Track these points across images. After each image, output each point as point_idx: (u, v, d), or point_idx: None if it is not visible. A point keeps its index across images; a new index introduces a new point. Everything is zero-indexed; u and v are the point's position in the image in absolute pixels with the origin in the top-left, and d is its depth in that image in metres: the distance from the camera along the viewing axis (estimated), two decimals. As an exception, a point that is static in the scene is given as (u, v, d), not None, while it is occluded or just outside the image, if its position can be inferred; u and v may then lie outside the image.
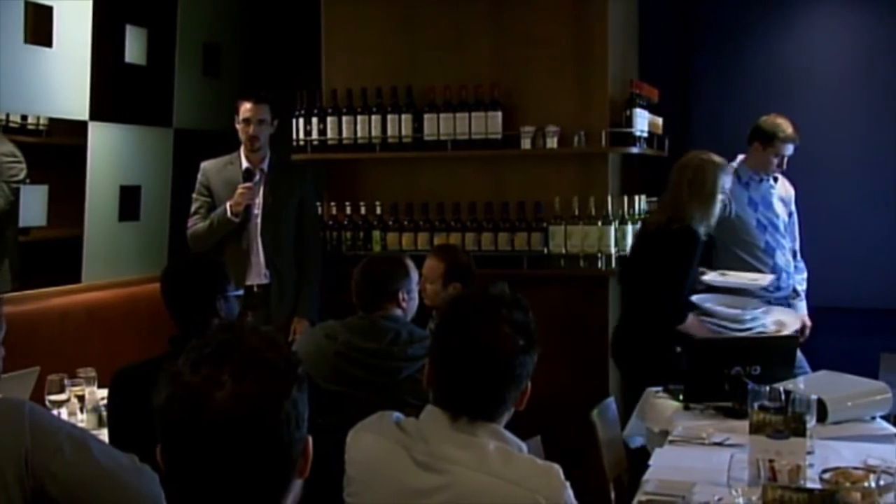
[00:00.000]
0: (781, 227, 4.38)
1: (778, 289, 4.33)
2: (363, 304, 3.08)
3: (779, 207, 4.39)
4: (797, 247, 4.49)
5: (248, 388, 1.20)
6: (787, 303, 4.36)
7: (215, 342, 1.25)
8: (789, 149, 4.27)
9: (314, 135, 4.58)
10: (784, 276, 4.34)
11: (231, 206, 4.18)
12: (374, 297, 3.06)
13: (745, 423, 2.58)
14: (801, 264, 4.49)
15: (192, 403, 1.20)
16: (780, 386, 2.94)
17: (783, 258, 4.35)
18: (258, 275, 4.28)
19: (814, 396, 2.75)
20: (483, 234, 4.33)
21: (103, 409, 3.12)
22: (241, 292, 3.20)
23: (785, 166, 4.31)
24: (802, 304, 4.43)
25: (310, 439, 1.28)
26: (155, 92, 4.97)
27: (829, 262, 4.41)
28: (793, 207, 4.46)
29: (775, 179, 4.39)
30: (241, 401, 1.20)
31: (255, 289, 4.27)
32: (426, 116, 4.43)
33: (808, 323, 4.34)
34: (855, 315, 4.68)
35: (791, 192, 4.46)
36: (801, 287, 4.45)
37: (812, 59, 4.95)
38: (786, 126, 4.26)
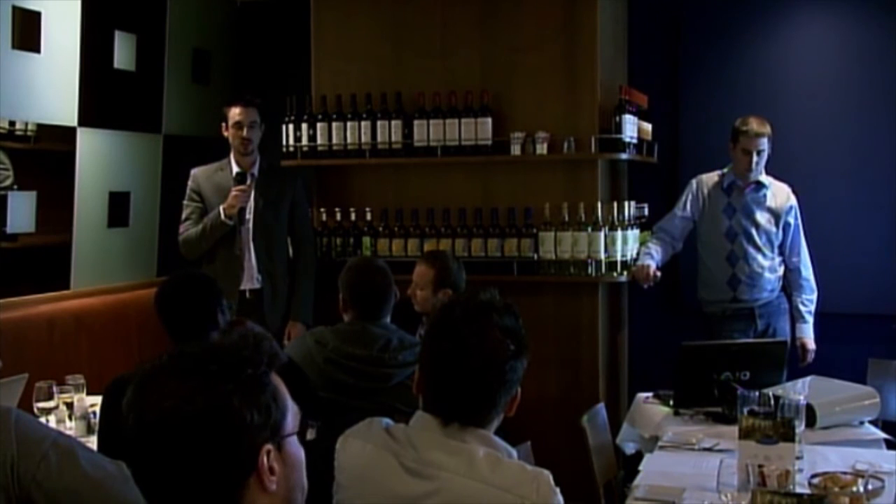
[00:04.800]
0: (759, 237, 4.25)
1: (735, 300, 4.28)
2: (366, 313, 3.08)
3: (761, 217, 4.26)
4: (800, 262, 4.31)
5: (177, 386, 1.23)
6: (748, 313, 4.27)
7: (183, 347, 1.29)
8: (758, 143, 4.13)
9: (304, 141, 4.57)
10: (744, 287, 4.24)
11: (225, 208, 4.19)
12: (380, 308, 3.09)
13: (734, 429, 2.59)
14: (808, 282, 4.31)
15: (130, 403, 1.25)
16: (770, 391, 2.96)
17: (747, 268, 4.24)
18: (250, 279, 4.28)
19: (803, 401, 2.75)
20: (473, 240, 4.33)
21: (92, 416, 3.11)
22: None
23: (758, 166, 4.18)
24: (805, 326, 4.29)
25: (269, 450, 1.25)
26: (144, 98, 4.96)
27: (817, 268, 4.40)
28: (790, 219, 4.28)
29: (759, 185, 4.25)
30: (167, 397, 1.22)
31: (248, 294, 4.27)
32: (416, 123, 4.43)
33: (810, 347, 4.26)
34: (843, 320, 4.68)
35: (787, 202, 4.28)
36: (805, 308, 4.30)
37: (802, 63, 4.95)
38: (751, 120, 4.17)
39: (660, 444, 3.05)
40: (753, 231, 4.27)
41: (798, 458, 2.50)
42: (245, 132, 4.24)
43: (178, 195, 4.43)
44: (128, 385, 1.40)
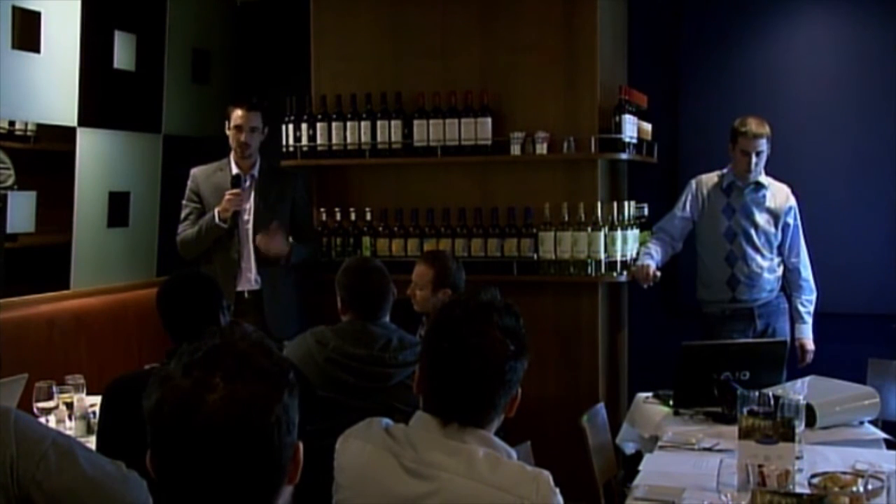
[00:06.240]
0: (758, 237, 4.25)
1: (734, 300, 4.28)
2: (366, 313, 3.08)
3: (761, 217, 4.26)
4: (800, 263, 4.31)
5: (240, 391, 1.20)
6: (748, 314, 4.27)
7: (206, 347, 1.25)
8: (756, 144, 4.13)
9: (304, 141, 4.57)
10: (743, 287, 4.25)
11: (219, 211, 4.18)
12: (379, 308, 3.10)
13: (734, 429, 2.59)
14: (807, 283, 4.31)
15: (183, 406, 1.20)
16: (769, 391, 2.95)
17: (746, 269, 4.24)
18: (248, 281, 4.28)
19: (802, 401, 2.75)
20: (473, 240, 4.33)
21: (92, 416, 3.11)
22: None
23: (757, 167, 4.18)
24: (805, 327, 4.30)
25: (300, 445, 1.27)
26: (144, 98, 4.96)
27: (817, 268, 4.40)
28: (789, 220, 4.29)
29: (758, 185, 4.25)
30: (233, 403, 1.19)
31: (247, 295, 4.27)
32: (416, 122, 4.43)
33: (809, 347, 4.27)
34: (843, 320, 4.68)
35: (787, 203, 4.28)
36: (804, 308, 4.30)
37: (802, 63, 4.95)
38: (750, 121, 4.17)
39: (660, 444, 3.05)
40: (752, 231, 4.27)
41: (798, 458, 2.50)
42: (244, 136, 4.24)
43: (178, 195, 4.43)
44: (128, 385, 1.40)
